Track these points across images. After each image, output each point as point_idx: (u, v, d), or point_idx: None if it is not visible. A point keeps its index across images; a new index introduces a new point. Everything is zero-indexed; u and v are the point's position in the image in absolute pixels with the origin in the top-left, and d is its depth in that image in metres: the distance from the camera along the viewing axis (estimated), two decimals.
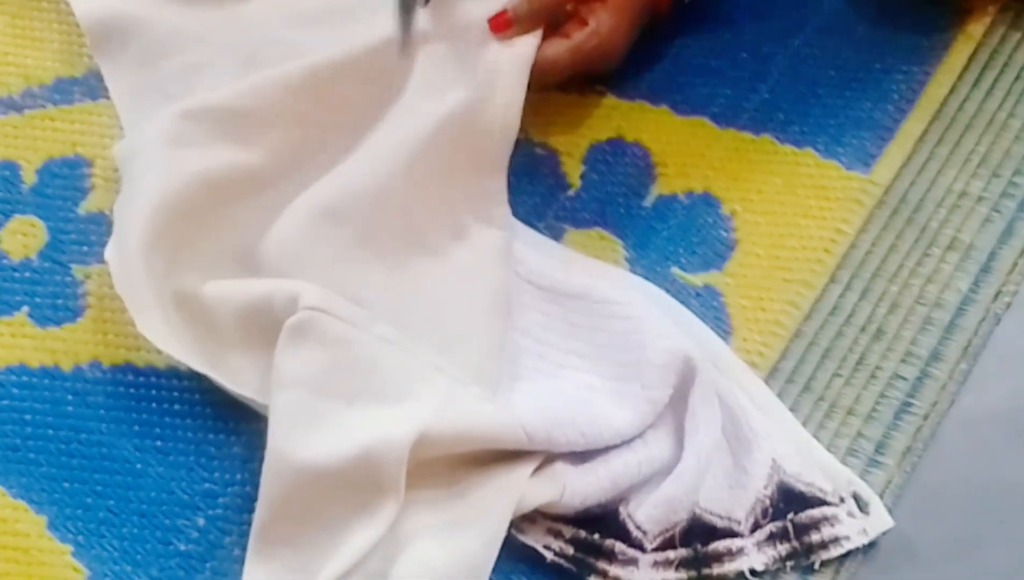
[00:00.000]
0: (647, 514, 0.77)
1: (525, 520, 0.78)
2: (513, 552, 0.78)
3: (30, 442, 0.82)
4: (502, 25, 0.89)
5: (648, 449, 0.80)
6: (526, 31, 0.90)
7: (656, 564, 0.77)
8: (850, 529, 0.79)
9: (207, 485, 0.81)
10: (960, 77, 0.96)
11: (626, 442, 0.80)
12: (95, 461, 0.81)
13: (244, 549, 0.77)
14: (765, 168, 0.92)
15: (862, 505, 0.80)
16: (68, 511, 0.80)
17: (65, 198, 0.90)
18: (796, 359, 0.85)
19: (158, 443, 0.82)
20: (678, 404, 0.81)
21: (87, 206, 0.90)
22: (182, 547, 0.79)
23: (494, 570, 0.76)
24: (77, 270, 0.88)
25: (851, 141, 0.93)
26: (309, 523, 0.76)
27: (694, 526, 0.78)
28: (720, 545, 0.78)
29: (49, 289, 0.87)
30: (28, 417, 0.83)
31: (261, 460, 0.80)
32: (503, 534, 0.77)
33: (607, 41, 0.91)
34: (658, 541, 0.77)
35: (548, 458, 0.79)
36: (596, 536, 0.77)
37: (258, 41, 0.94)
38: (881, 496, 0.81)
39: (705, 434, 0.80)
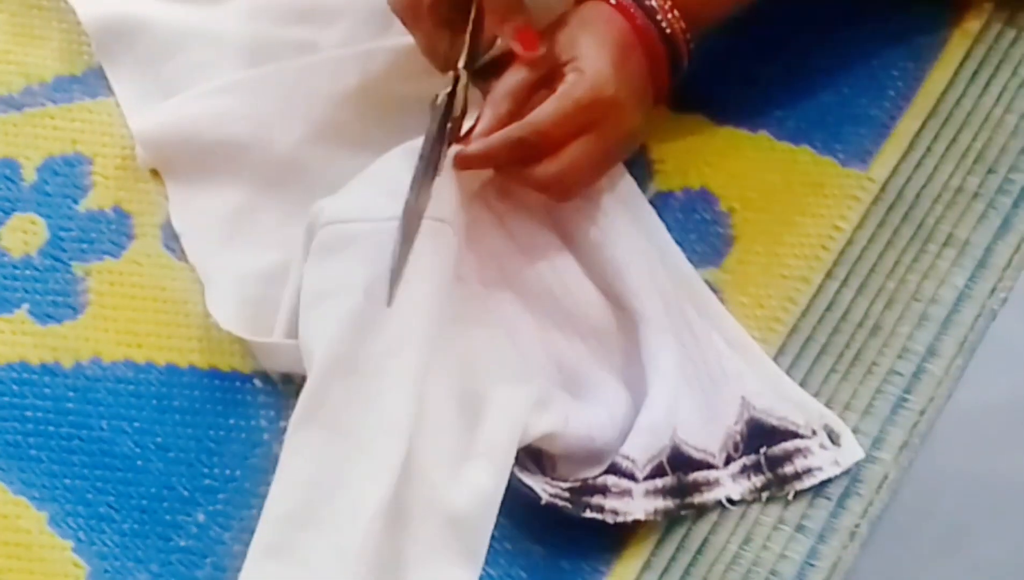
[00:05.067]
0: (632, 443, 0.79)
1: (525, 471, 0.79)
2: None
3: (31, 439, 0.82)
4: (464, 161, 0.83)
5: (630, 391, 0.83)
6: (485, 167, 0.84)
7: (648, 493, 0.79)
8: (823, 460, 0.81)
9: (207, 481, 0.81)
10: (956, 73, 0.96)
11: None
12: (95, 457, 0.82)
13: (244, 544, 0.77)
14: (762, 165, 0.92)
15: (834, 437, 0.82)
16: (69, 507, 0.80)
17: (65, 196, 0.91)
18: (793, 355, 0.86)
19: (158, 439, 0.82)
20: (631, 351, 0.83)
21: (87, 203, 0.90)
22: (182, 543, 0.79)
23: None
24: (77, 267, 0.88)
25: (848, 137, 0.93)
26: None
27: (676, 455, 0.80)
28: (699, 475, 0.80)
29: (49, 286, 0.87)
30: (29, 414, 0.83)
31: (260, 456, 0.81)
32: (510, 467, 0.78)
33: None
34: (648, 469, 0.79)
35: (547, 390, 0.81)
36: (589, 479, 0.79)
37: (260, 39, 0.94)
38: (878, 491, 0.81)
39: (664, 360, 0.82)
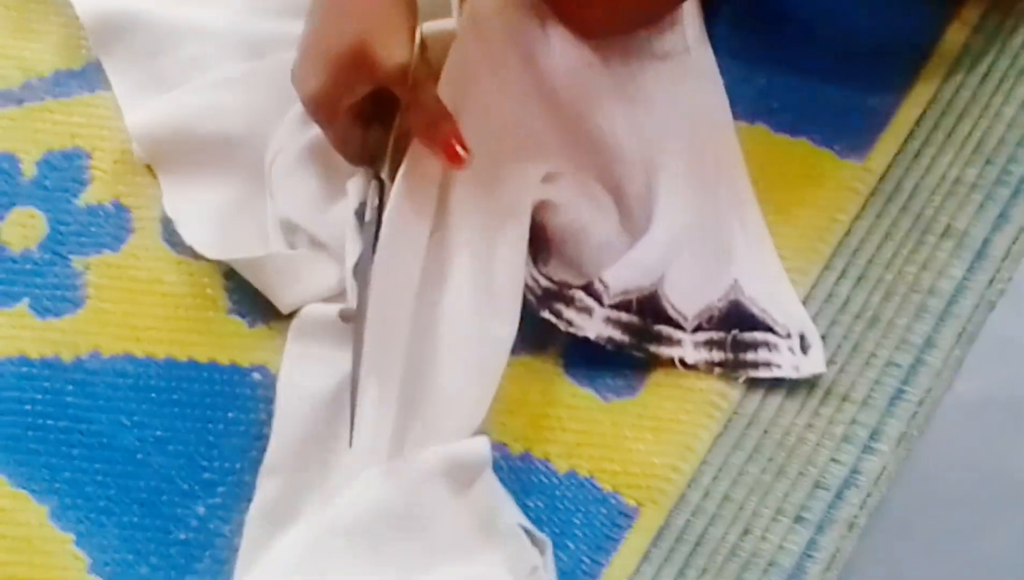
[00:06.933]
0: (612, 273, 0.83)
1: None
2: None
3: (31, 432, 0.82)
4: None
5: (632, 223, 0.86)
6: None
7: (608, 320, 0.83)
8: (784, 360, 0.84)
9: (206, 474, 0.81)
10: (955, 64, 0.96)
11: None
12: (95, 451, 0.82)
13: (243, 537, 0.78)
14: (760, 156, 0.92)
15: (804, 346, 0.84)
16: (69, 500, 0.80)
17: (64, 190, 0.91)
18: None
19: (158, 433, 0.82)
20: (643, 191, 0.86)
21: (86, 198, 0.91)
22: (182, 535, 0.80)
23: None
24: (77, 261, 0.88)
25: (845, 129, 0.93)
26: None
27: (652, 302, 0.84)
28: (664, 329, 0.84)
29: (49, 280, 0.88)
30: (29, 407, 0.83)
31: (260, 450, 0.81)
32: (519, 312, 0.82)
33: None
34: (617, 300, 0.83)
35: (560, 171, 0.86)
36: (566, 286, 0.83)
37: (256, 34, 0.94)
38: (876, 482, 0.81)
39: (676, 216, 0.85)
